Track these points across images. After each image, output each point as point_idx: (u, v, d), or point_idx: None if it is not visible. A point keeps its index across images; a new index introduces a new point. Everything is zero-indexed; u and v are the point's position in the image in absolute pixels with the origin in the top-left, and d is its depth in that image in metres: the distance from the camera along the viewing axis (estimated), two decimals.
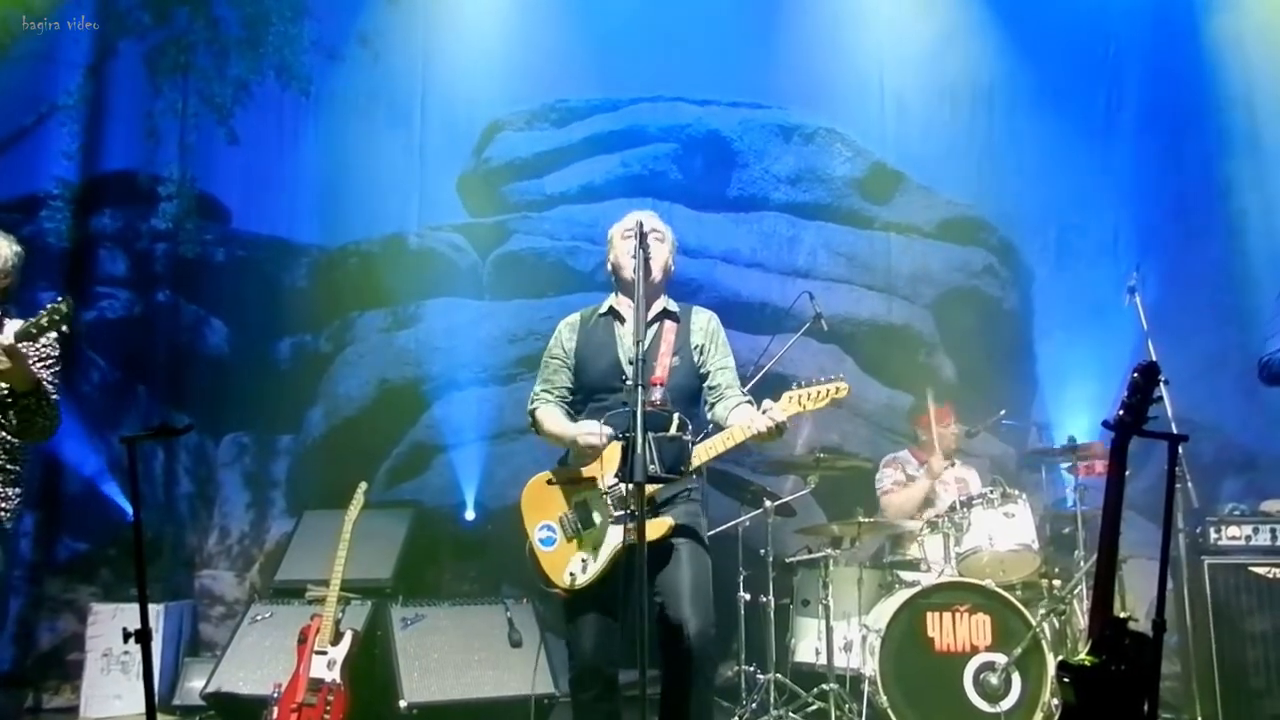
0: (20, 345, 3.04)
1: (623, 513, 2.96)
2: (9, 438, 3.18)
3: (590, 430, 3.02)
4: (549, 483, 3.13)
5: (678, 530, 3.01)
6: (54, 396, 3.23)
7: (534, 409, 3.26)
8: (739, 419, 3.01)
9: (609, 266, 3.27)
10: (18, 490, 3.22)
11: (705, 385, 3.20)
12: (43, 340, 3.15)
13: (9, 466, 3.18)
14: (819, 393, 3.00)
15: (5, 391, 3.11)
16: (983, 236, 6.27)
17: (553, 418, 3.19)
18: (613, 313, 3.23)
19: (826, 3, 6.13)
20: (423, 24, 6.14)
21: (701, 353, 3.20)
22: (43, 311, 3.04)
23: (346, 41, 6.17)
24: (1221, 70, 5.97)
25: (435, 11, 6.14)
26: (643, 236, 2.96)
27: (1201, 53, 6.00)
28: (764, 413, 2.93)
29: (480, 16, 6.12)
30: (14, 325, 3.22)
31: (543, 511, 3.11)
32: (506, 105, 6.24)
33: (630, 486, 2.74)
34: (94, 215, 6.03)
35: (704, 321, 3.25)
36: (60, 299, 3.05)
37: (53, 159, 5.94)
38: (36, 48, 5.90)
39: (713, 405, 3.17)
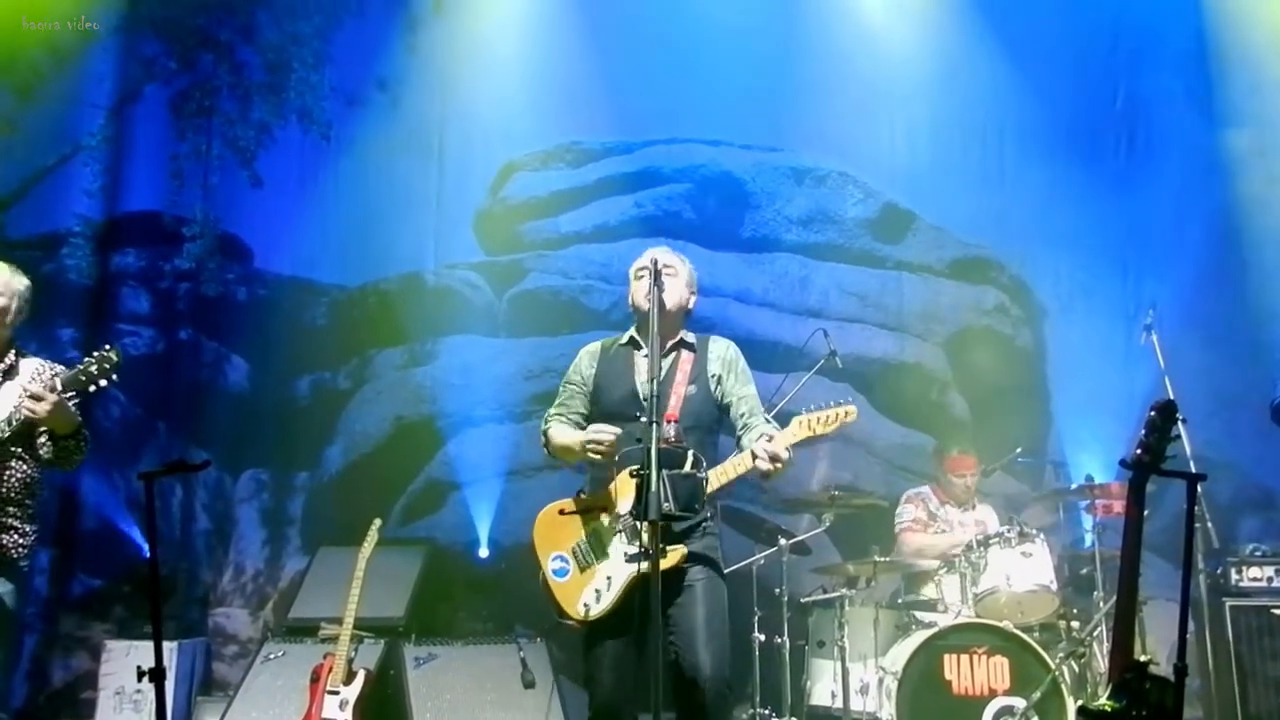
0: (68, 393, 3.06)
1: (637, 546, 2.94)
2: (30, 472, 3.19)
3: (599, 429, 3.00)
4: (561, 513, 3.13)
5: (695, 559, 3.00)
6: (85, 432, 3.25)
7: (547, 428, 3.28)
8: (756, 446, 2.99)
9: (629, 304, 3.30)
10: (34, 527, 3.21)
11: (730, 416, 3.20)
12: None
13: (25, 502, 3.17)
14: (829, 416, 3.00)
15: (23, 426, 3.10)
16: (994, 275, 6.29)
17: (564, 432, 3.21)
18: (633, 343, 3.26)
19: (839, 46, 6.21)
20: (440, 69, 6.26)
21: (719, 383, 3.20)
22: (90, 359, 3.05)
23: (366, 87, 6.31)
24: (1234, 106, 6.00)
25: (452, 57, 6.26)
26: (657, 274, 3.00)
27: (1213, 89, 6.04)
28: (769, 439, 2.94)
29: (496, 60, 6.24)
30: (31, 363, 3.25)
31: (555, 542, 3.11)
32: (522, 146, 6.34)
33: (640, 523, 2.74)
34: (117, 253, 6.14)
35: (721, 350, 3.26)
36: (109, 346, 3.07)
37: (75, 197, 6.07)
38: (61, 89, 6.05)
39: (739, 437, 3.18)
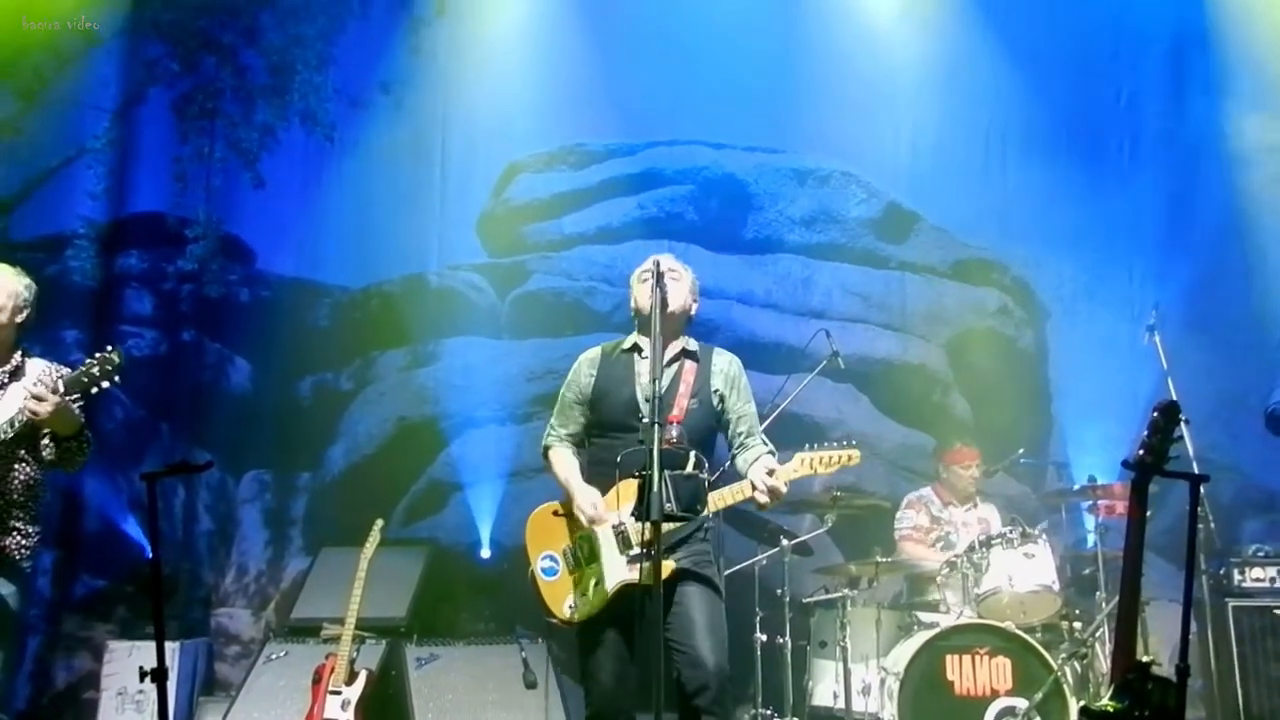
0: (70, 395, 3.06)
1: (636, 551, 2.95)
2: (33, 474, 3.19)
3: (587, 502, 3.03)
4: (555, 513, 3.15)
5: (686, 574, 3.00)
6: (88, 433, 3.26)
7: (549, 446, 3.27)
8: (754, 475, 3.03)
9: (631, 310, 3.31)
10: (37, 528, 3.20)
11: (727, 433, 3.22)
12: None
13: (29, 504, 3.17)
14: (831, 458, 3.06)
15: (25, 428, 3.11)
16: (996, 276, 6.28)
17: (564, 464, 3.20)
18: (635, 349, 3.25)
19: (840, 47, 6.21)
20: (443, 71, 6.28)
21: (722, 399, 3.21)
22: (92, 361, 3.04)
23: (369, 89, 6.32)
24: (1236, 106, 6.00)
25: (455, 58, 6.28)
26: (659, 276, 3.00)
27: (1216, 89, 6.03)
28: (770, 472, 2.97)
29: (499, 62, 6.24)
30: (37, 364, 3.26)
31: (546, 541, 3.13)
32: (525, 148, 6.35)
33: (640, 524, 2.75)
34: (120, 255, 6.16)
35: (724, 365, 3.26)
36: (110, 348, 3.06)
37: (79, 200, 6.09)
38: (65, 92, 6.07)
39: (734, 454, 3.20)
